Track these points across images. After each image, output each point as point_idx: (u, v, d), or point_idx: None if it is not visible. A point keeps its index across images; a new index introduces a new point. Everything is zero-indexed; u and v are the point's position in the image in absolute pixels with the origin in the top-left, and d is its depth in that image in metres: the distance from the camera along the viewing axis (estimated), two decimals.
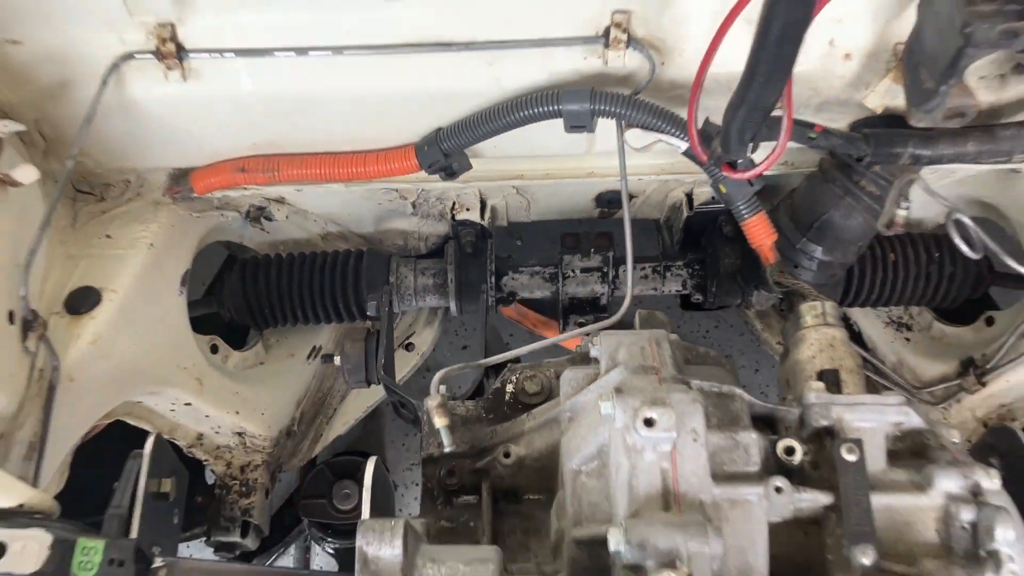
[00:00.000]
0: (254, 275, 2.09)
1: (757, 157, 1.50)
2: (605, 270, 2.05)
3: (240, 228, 2.09)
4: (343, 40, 1.55)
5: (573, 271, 2.07)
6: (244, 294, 2.08)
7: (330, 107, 1.68)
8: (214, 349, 2.09)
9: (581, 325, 2.11)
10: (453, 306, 2.04)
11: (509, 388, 1.49)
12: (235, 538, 2.06)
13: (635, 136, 1.60)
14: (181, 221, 1.87)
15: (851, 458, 1.15)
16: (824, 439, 1.21)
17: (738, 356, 3.04)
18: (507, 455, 1.35)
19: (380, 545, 1.10)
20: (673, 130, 1.51)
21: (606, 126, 1.62)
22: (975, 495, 1.16)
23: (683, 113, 1.47)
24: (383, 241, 2.26)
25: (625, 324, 1.54)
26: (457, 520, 1.37)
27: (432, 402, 1.36)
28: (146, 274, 1.74)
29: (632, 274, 1.72)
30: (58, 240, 1.69)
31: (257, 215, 2.03)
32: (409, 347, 2.35)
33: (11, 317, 1.46)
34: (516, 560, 1.30)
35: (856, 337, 2.30)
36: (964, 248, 1.52)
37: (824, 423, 1.20)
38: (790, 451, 1.20)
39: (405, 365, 2.37)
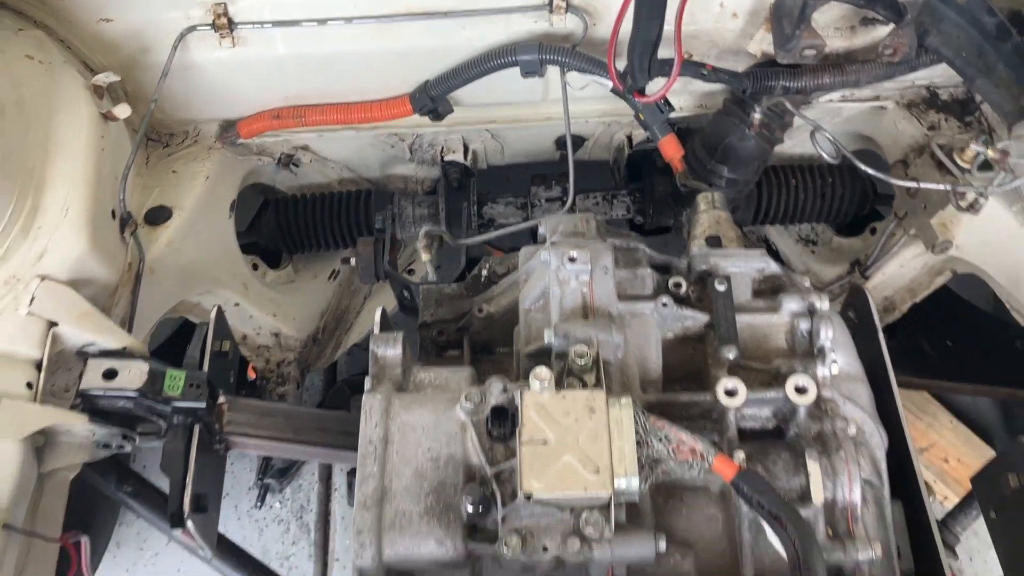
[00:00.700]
0: (285, 210, 2.50)
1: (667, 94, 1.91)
2: (564, 199, 2.40)
3: (273, 173, 2.46)
4: (354, 12, 1.91)
5: (539, 200, 2.44)
6: (278, 225, 2.49)
7: (344, 65, 2.03)
8: (255, 267, 2.46)
9: None
10: (444, 230, 2.46)
11: (484, 272, 1.77)
12: None
13: (576, 79, 2.00)
14: (229, 162, 2.21)
15: (721, 288, 1.47)
16: (706, 280, 1.50)
17: None
18: (480, 311, 1.63)
19: (386, 348, 1.41)
20: (600, 72, 1.90)
21: (557, 81, 1.99)
22: (811, 313, 1.45)
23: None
24: (388, 184, 2.61)
25: None
26: None
27: (420, 243, 1.77)
28: (204, 199, 2.05)
29: (576, 194, 2.09)
30: (136, 174, 1.97)
31: (287, 161, 2.39)
32: (411, 272, 2.71)
33: (113, 214, 1.78)
34: None
35: (773, 253, 2.63)
36: (823, 155, 1.96)
37: (704, 267, 1.52)
38: (678, 285, 1.52)
39: None
